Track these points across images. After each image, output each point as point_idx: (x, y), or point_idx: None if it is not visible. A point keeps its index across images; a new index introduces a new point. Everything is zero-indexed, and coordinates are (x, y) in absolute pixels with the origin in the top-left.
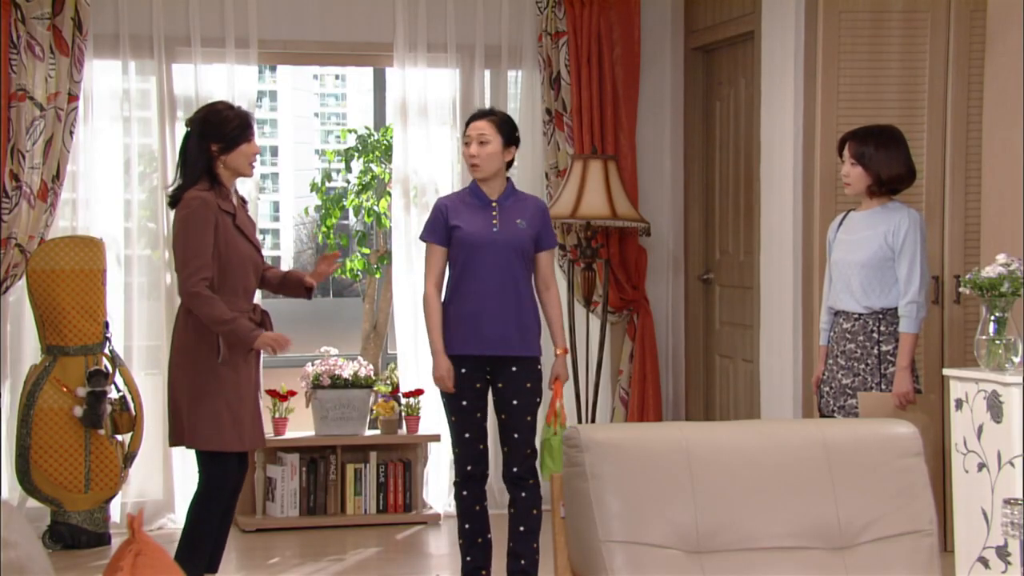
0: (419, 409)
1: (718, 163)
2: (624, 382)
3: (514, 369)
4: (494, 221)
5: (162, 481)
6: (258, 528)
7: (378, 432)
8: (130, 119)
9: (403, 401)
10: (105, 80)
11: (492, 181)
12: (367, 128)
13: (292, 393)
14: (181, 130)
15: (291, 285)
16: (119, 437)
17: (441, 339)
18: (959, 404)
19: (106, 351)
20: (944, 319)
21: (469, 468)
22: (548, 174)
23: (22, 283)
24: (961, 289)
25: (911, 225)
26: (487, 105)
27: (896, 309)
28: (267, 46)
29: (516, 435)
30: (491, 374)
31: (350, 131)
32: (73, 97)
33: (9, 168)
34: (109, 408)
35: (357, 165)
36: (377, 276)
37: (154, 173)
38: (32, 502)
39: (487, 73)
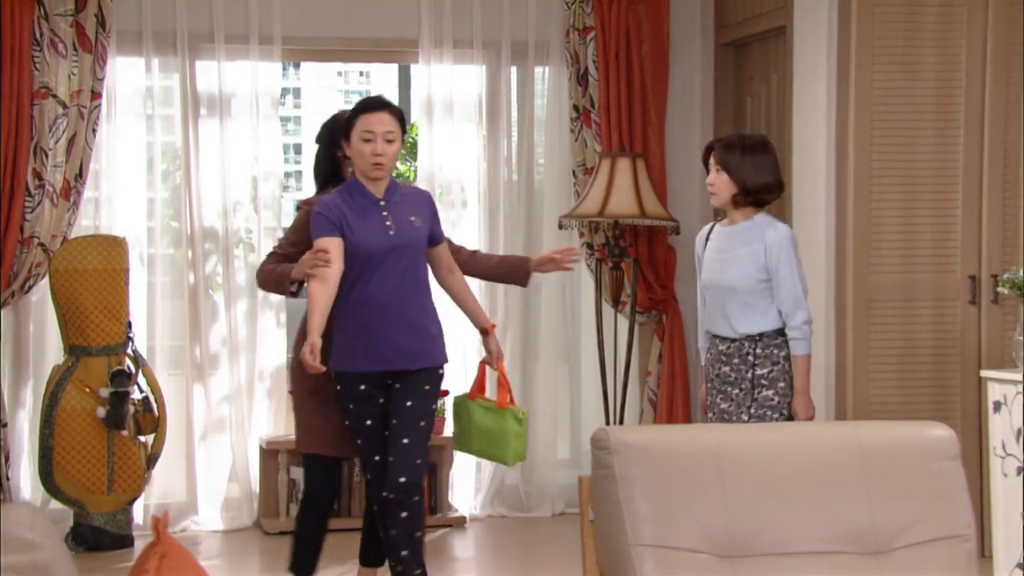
0: (445, 411)
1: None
2: (652, 383)
3: (416, 372)
4: (388, 224)
5: (185, 483)
6: (281, 531)
7: None
8: (153, 117)
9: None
10: (128, 77)
11: (382, 179)
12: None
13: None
14: (204, 128)
15: (509, 269)
16: (142, 438)
17: (320, 318)
18: (997, 407)
19: (129, 351)
20: (981, 320)
21: (385, 494)
22: (575, 172)
23: (45, 282)
24: (999, 289)
25: (783, 243)
26: (514, 102)
27: (772, 332)
28: (291, 42)
29: (406, 440)
30: (391, 386)
31: None
32: (96, 95)
33: (32, 167)
34: (132, 409)
35: None
36: None
37: (177, 171)
38: (55, 503)
39: (514, 69)
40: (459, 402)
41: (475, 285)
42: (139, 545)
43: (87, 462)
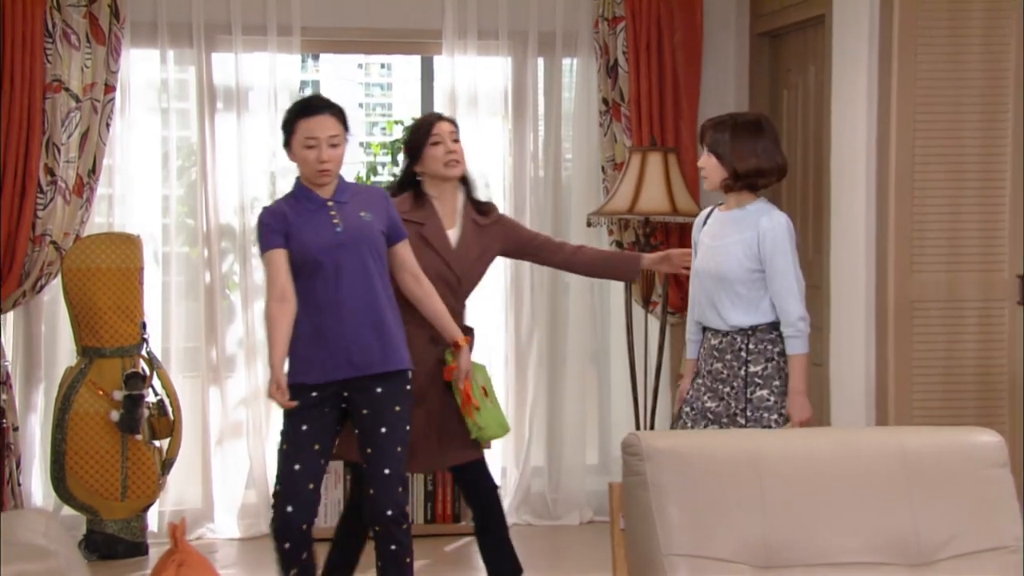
0: None
1: (785, 154)
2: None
3: (379, 391)
4: (335, 221)
5: (201, 489)
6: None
7: None
8: (168, 110)
9: None
10: (142, 70)
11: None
12: (414, 119)
13: None
14: (221, 122)
15: (614, 266)
16: (157, 443)
17: (281, 353)
18: None
19: (143, 353)
20: None
21: (290, 510)
22: (604, 168)
23: (57, 282)
24: None
25: (778, 232)
26: (540, 95)
27: (766, 325)
28: (310, 34)
29: (387, 471)
30: (348, 400)
31: (396, 123)
32: (110, 88)
33: (44, 162)
34: (146, 413)
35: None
36: None
37: (193, 167)
38: (67, 510)
39: (540, 61)
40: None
41: (504, 280)
42: (154, 553)
43: (100, 467)
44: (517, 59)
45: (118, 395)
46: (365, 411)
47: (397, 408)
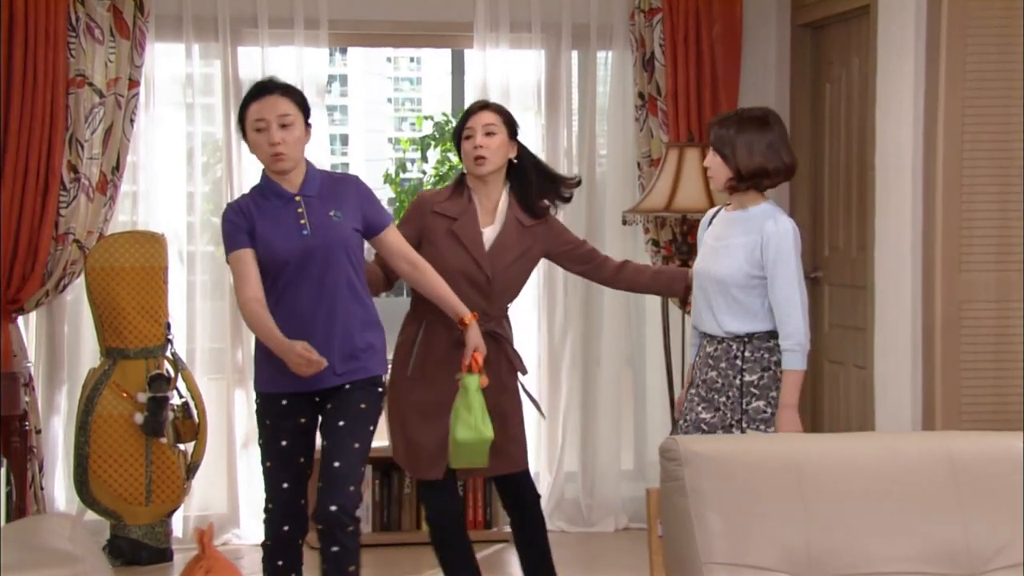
0: None
1: (827, 151)
2: None
3: (347, 387)
4: (302, 222)
5: (227, 493)
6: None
7: None
8: (193, 106)
9: None
10: (167, 64)
11: (291, 171)
12: (444, 114)
13: None
14: None
15: (663, 284)
16: (181, 446)
17: (276, 332)
18: None
19: (168, 354)
20: None
21: (287, 529)
22: (640, 163)
23: (80, 281)
24: None
25: (783, 239)
26: (575, 90)
27: (763, 333)
28: (338, 27)
29: (337, 463)
30: (320, 404)
31: (426, 118)
32: (134, 83)
33: (67, 159)
34: (171, 415)
35: (434, 154)
36: None
37: (218, 164)
38: (91, 515)
39: (574, 54)
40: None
41: (537, 280)
42: (178, 559)
43: (124, 471)
44: (550, 52)
45: (142, 397)
46: (330, 405)
47: (363, 406)
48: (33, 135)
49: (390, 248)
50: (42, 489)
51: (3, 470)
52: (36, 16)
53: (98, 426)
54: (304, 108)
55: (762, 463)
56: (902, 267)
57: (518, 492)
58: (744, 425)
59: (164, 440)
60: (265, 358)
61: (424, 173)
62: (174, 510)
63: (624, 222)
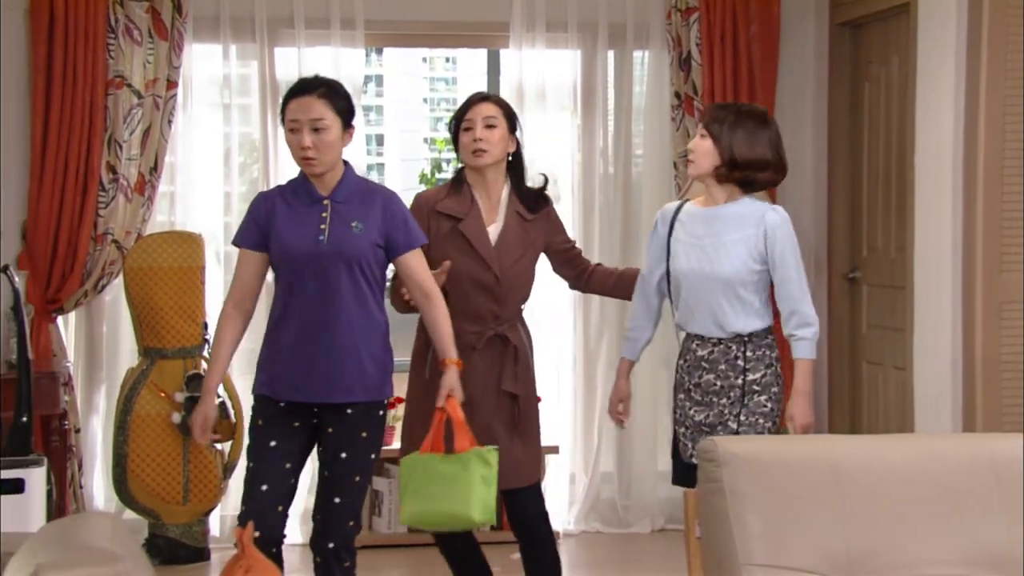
0: None
1: (866, 150)
2: None
3: (349, 412)
4: (322, 227)
5: None
6: (363, 545)
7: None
8: (230, 106)
9: None
10: (204, 65)
11: (323, 174)
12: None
13: (400, 400)
14: None
15: (627, 285)
16: (218, 446)
17: (218, 375)
18: None
19: (205, 354)
20: None
21: (257, 535)
22: (676, 164)
23: (119, 282)
24: None
25: (787, 228)
26: (611, 89)
27: (762, 331)
28: (374, 27)
29: (337, 499)
30: (318, 417)
31: None
32: (172, 83)
33: (106, 160)
34: None
35: None
36: None
37: (255, 164)
38: (129, 514)
39: (611, 54)
40: (408, 462)
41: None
42: (215, 559)
43: (162, 470)
44: (586, 52)
45: (179, 397)
46: (331, 430)
47: (364, 434)
48: (73, 136)
49: (410, 272)
50: (81, 488)
51: (44, 469)
52: (76, 18)
53: (136, 425)
54: (343, 110)
55: (801, 464)
56: (942, 267)
57: (522, 507)
58: (741, 418)
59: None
60: (267, 361)
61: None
62: (211, 509)
63: None
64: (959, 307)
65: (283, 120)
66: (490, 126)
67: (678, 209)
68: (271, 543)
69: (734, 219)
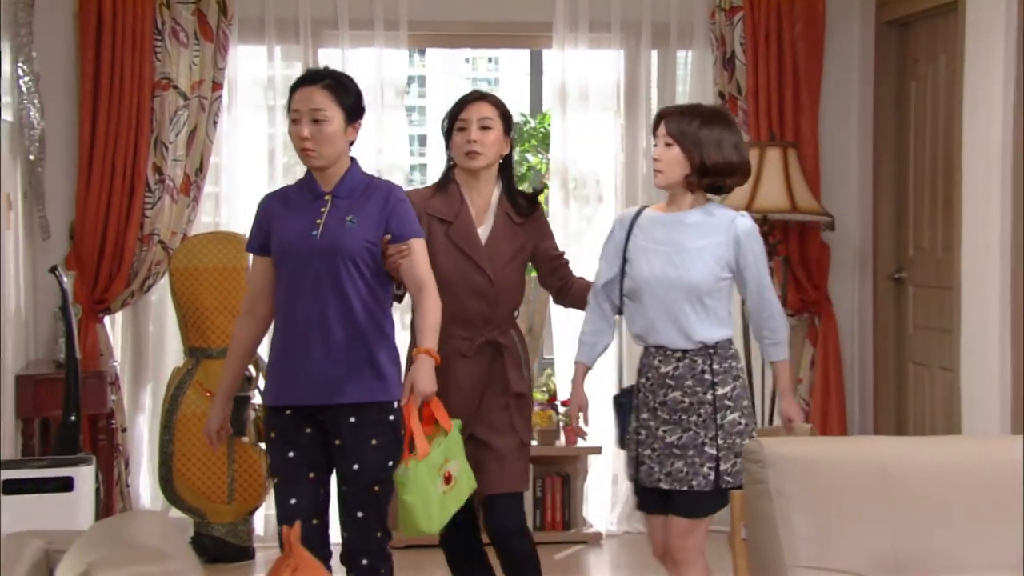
0: (567, 418)
1: (912, 149)
2: (804, 391)
3: (352, 420)
4: (317, 221)
5: None
6: (407, 544)
7: (534, 443)
8: (274, 108)
9: (561, 410)
10: (249, 67)
11: (330, 167)
12: (522, 115)
13: None
14: None
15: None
16: (263, 445)
17: (228, 381)
18: None
19: None
20: None
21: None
22: None
23: (165, 282)
24: None
25: (755, 233)
26: (654, 89)
27: (726, 342)
28: (417, 28)
29: (360, 514)
30: (325, 423)
31: None
32: (217, 85)
33: (152, 161)
34: (253, 414)
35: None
36: (532, 275)
37: (298, 165)
38: (174, 512)
39: (654, 54)
40: (401, 475)
41: None
42: (260, 557)
43: (207, 469)
44: (630, 52)
45: None
46: (338, 442)
47: (374, 441)
48: (120, 138)
49: (409, 265)
50: (127, 487)
51: (92, 467)
52: (123, 21)
53: (182, 425)
54: (348, 104)
55: (847, 466)
56: (989, 267)
57: (499, 518)
58: (719, 441)
59: (246, 439)
60: (270, 364)
61: None
62: (256, 508)
63: None
64: (1007, 307)
65: (288, 111)
66: (485, 127)
67: (637, 214)
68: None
69: (699, 225)
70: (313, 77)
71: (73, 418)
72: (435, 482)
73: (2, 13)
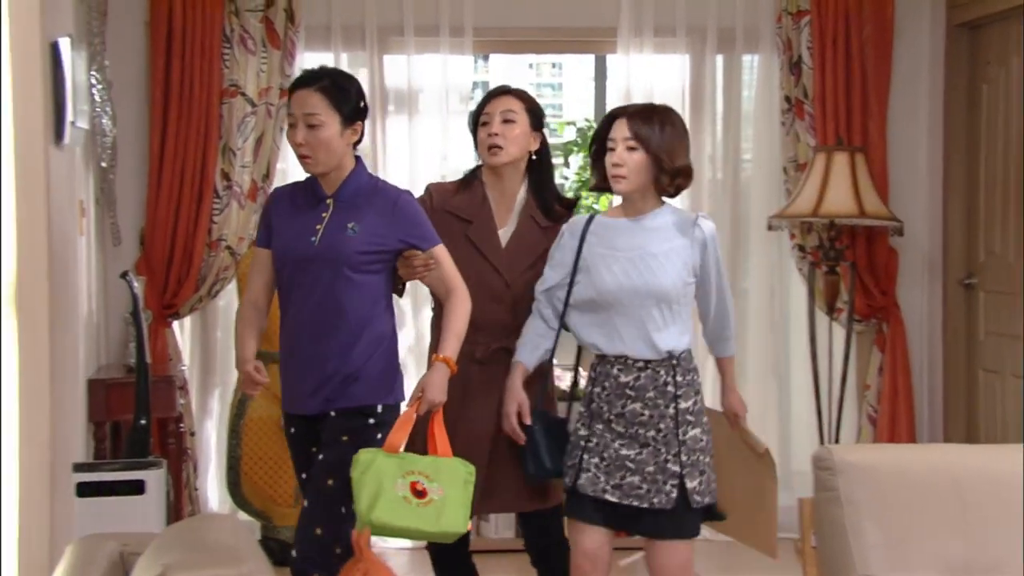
0: None
1: (984, 153)
2: (872, 398)
3: (333, 414)
4: (317, 227)
5: None
6: (473, 549)
7: None
8: None
9: None
10: None
11: (331, 171)
12: (587, 120)
13: None
14: (392, 124)
15: None
16: None
17: (246, 344)
18: None
19: None
20: None
21: (293, 554)
22: (787, 168)
23: (232, 287)
24: None
25: (713, 236)
26: (719, 94)
27: (688, 352)
28: (482, 34)
29: (306, 503)
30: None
31: (568, 124)
32: (284, 92)
33: (220, 167)
34: None
35: (576, 160)
36: None
37: None
38: (242, 515)
39: (719, 59)
40: (360, 456)
41: None
42: None
43: (274, 473)
44: (695, 57)
45: None
46: (322, 437)
47: (344, 438)
48: (189, 144)
49: (433, 271)
50: (196, 490)
51: (163, 470)
52: (193, 29)
53: (249, 429)
54: (345, 107)
55: (918, 474)
56: None
57: (537, 532)
58: (682, 458)
59: None
60: (280, 369)
61: (566, 179)
62: None
63: (770, 227)
64: None
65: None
66: (508, 121)
67: (589, 220)
68: (312, 568)
69: (661, 229)
70: (309, 79)
71: (143, 422)
72: (393, 480)
73: (77, 23)
